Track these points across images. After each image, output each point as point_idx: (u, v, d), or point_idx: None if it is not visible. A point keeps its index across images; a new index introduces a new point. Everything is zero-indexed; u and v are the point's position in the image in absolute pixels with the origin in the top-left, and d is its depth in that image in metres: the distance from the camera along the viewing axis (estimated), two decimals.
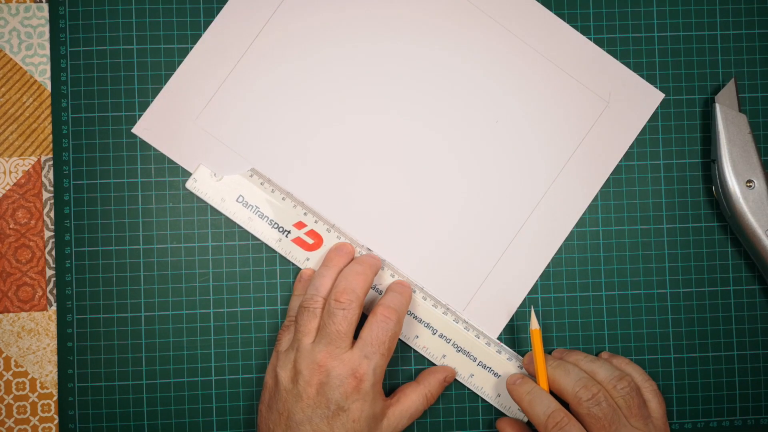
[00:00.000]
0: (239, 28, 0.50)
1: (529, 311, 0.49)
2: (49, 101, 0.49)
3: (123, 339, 0.49)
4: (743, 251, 0.50)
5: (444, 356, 0.48)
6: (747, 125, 0.49)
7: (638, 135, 0.50)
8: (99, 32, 0.49)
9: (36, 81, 0.49)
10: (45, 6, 0.50)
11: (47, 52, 0.49)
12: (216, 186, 0.49)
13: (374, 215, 0.49)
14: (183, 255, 0.49)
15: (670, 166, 0.50)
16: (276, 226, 0.49)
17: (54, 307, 0.49)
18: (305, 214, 0.49)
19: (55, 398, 0.49)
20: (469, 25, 0.50)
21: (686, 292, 0.50)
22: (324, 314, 0.45)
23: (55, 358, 0.49)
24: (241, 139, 0.49)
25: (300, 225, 0.49)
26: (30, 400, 0.49)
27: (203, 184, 0.49)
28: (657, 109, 0.50)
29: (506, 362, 0.48)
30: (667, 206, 0.50)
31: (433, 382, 0.47)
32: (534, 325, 0.47)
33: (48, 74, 0.49)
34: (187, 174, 0.49)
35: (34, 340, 0.49)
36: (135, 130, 0.49)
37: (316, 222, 0.49)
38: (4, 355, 0.49)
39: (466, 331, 0.48)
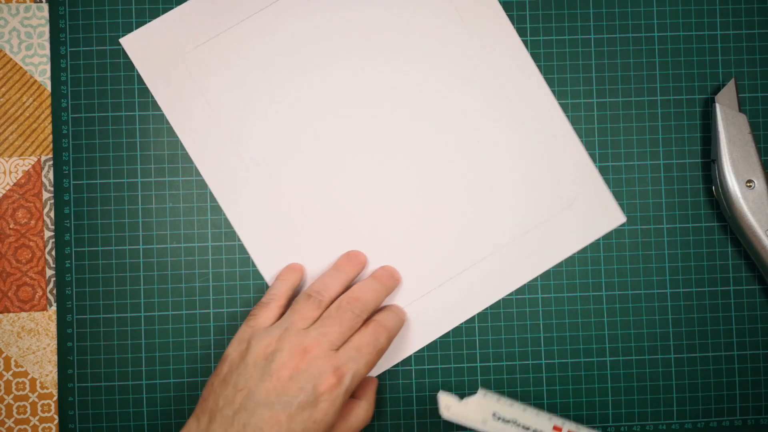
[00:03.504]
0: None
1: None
2: (49, 101, 0.49)
3: (123, 339, 0.49)
4: (743, 251, 0.50)
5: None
6: (747, 125, 0.49)
7: (638, 135, 0.50)
8: (99, 32, 0.49)
9: (36, 81, 0.49)
10: (45, 6, 0.50)
11: (47, 52, 0.49)
12: (463, 409, 0.46)
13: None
14: (183, 255, 0.49)
15: (670, 166, 0.50)
16: None
17: (54, 307, 0.49)
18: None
19: (55, 398, 0.49)
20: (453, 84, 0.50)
21: (686, 292, 0.50)
22: (331, 309, 0.44)
23: (55, 358, 0.49)
24: (224, 102, 0.49)
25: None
26: (30, 400, 0.49)
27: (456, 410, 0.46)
28: (657, 109, 0.50)
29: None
30: (667, 206, 0.50)
31: (370, 393, 0.46)
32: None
33: (48, 74, 0.49)
34: (188, 174, 0.49)
35: (34, 340, 0.49)
36: (123, 40, 0.49)
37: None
38: (4, 355, 0.49)
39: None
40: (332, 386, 0.41)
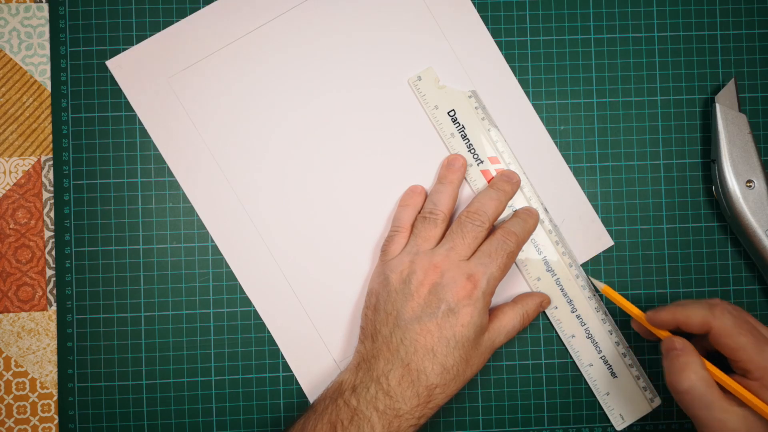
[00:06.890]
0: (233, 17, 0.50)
1: (588, 278, 0.49)
2: (49, 101, 0.49)
3: (123, 339, 0.49)
4: (743, 251, 0.50)
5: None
6: (747, 125, 0.49)
7: (638, 135, 0.50)
8: (99, 32, 0.49)
9: (36, 81, 0.49)
10: (45, 6, 0.50)
11: (47, 52, 0.49)
12: (436, 93, 0.49)
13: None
14: (183, 255, 0.49)
15: (670, 166, 0.50)
16: (472, 150, 0.49)
17: (54, 307, 0.49)
18: (502, 152, 0.49)
19: (55, 398, 0.49)
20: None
21: (686, 292, 0.50)
22: (453, 226, 0.46)
23: (55, 358, 0.49)
24: (209, 124, 0.49)
25: (494, 160, 0.49)
26: (30, 400, 0.49)
27: (425, 86, 0.49)
28: (657, 109, 0.50)
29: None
30: (667, 206, 0.50)
31: (531, 304, 0.48)
32: (599, 285, 0.47)
33: (48, 74, 0.49)
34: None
35: (34, 340, 0.49)
36: (109, 63, 0.49)
37: (508, 165, 0.49)
38: (4, 355, 0.49)
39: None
40: (469, 291, 0.44)
